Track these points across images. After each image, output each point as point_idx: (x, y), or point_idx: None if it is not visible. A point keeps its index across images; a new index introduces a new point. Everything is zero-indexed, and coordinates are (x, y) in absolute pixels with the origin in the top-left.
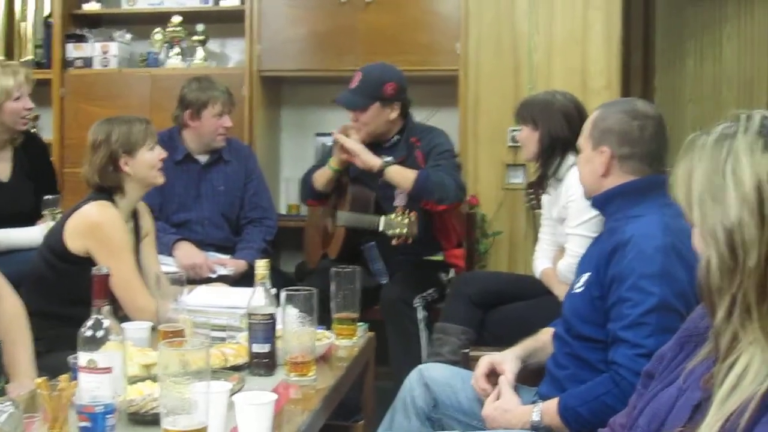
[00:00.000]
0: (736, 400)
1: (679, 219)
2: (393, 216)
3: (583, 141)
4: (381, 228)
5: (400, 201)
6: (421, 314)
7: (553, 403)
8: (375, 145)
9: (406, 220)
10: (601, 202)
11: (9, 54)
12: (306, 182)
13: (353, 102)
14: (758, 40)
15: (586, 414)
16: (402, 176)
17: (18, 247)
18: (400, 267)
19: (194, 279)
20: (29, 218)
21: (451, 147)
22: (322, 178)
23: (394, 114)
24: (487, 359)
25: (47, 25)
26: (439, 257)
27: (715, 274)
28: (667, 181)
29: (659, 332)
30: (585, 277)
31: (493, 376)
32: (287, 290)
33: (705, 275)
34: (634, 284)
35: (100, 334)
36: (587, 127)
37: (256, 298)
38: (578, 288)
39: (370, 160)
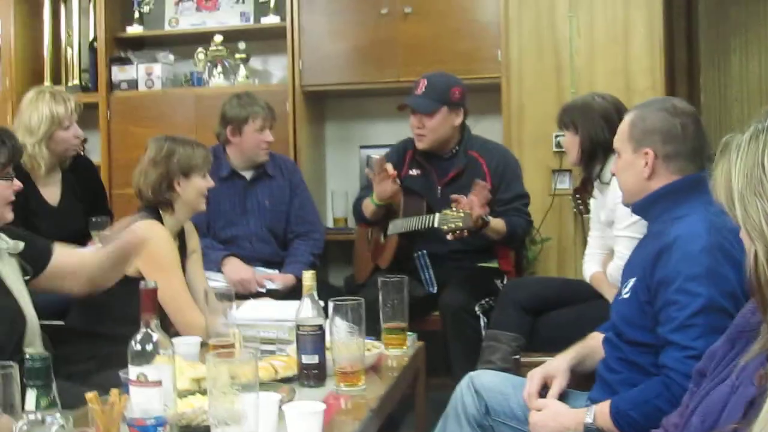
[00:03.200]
0: None
1: (725, 217)
2: (448, 211)
3: (621, 145)
4: (436, 224)
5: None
6: (483, 322)
7: (605, 406)
8: (436, 156)
9: (462, 214)
10: (644, 207)
11: (56, 79)
12: (357, 209)
13: (423, 105)
14: None
15: (638, 417)
16: (496, 231)
17: None
18: (451, 275)
19: (243, 294)
20: (79, 240)
21: (520, 171)
22: (368, 210)
23: (458, 120)
24: (539, 374)
25: (92, 49)
26: (493, 264)
27: (765, 267)
28: (708, 178)
29: (708, 333)
30: (631, 282)
31: (545, 388)
32: (335, 301)
33: (753, 270)
34: (680, 287)
35: (149, 347)
36: (624, 130)
37: (303, 309)
38: (625, 294)
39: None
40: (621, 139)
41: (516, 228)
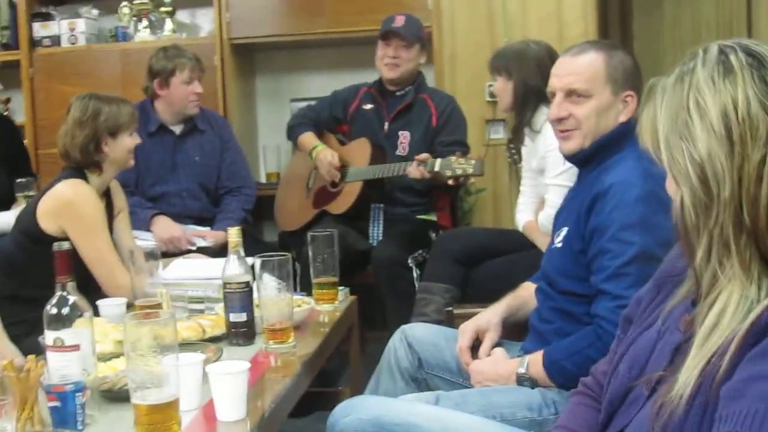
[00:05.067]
0: (717, 339)
1: (657, 165)
2: (453, 158)
3: (594, 87)
4: (437, 168)
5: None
6: (415, 274)
7: (538, 356)
8: (388, 92)
9: (473, 161)
10: (589, 154)
11: None
12: (293, 132)
13: (409, 33)
14: None
15: (570, 367)
16: None
17: None
18: (393, 228)
19: (174, 252)
20: (4, 203)
21: (465, 125)
22: (302, 148)
23: (422, 59)
24: (470, 328)
25: (12, 5)
26: (432, 217)
27: (691, 211)
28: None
29: (641, 282)
30: (564, 231)
31: (477, 342)
32: (261, 257)
33: (680, 215)
34: (614, 235)
35: (65, 311)
36: (597, 71)
37: (230, 267)
38: (558, 243)
39: None
40: (594, 80)
41: None
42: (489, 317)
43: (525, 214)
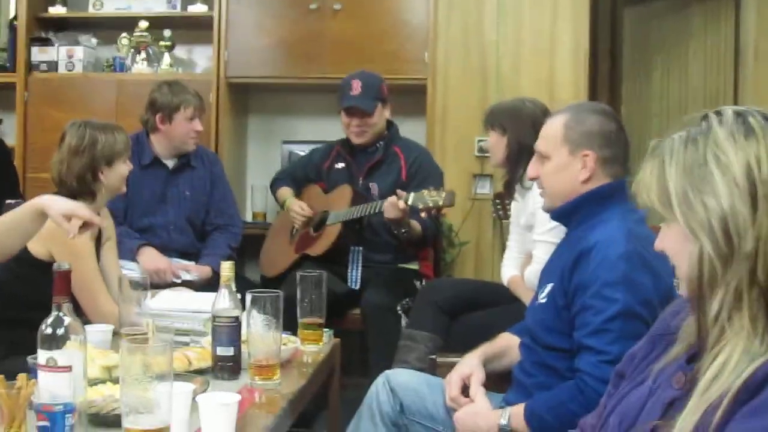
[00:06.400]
0: (715, 391)
1: (642, 225)
2: (426, 192)
3: (551, 147)
4: (410, 202)
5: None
6: (404, 321)
7: (520, 408)
8: (360, 150)
9: (443, 193)
10: (566, 212)
11: None
12: (273, 190)
13: (366, 104)
14: (724, 56)
15: (551, 420)
16: (416, 230)
17: None
18: (372, 274)
19: (159, 284)
20: None
21: (438, 176)
22: (279, 200)
23: (387, 113)
24: (456, 376)
25: (12, 27)
26: (414, 266)
27: (713, 262)
28: (626, 186)
29: (623, 338)
30: (548, 287)
31: (466, 390)
32: (253, 293)
33: (697, 267)
34: (597, 292)
35: (60, 331)
36: (555, 132)
37: (220, 300)
38: (542, 299)
39: None
40: (552, 141)
41: (426, 229)
42: (468, 362)
43: (510, 268)
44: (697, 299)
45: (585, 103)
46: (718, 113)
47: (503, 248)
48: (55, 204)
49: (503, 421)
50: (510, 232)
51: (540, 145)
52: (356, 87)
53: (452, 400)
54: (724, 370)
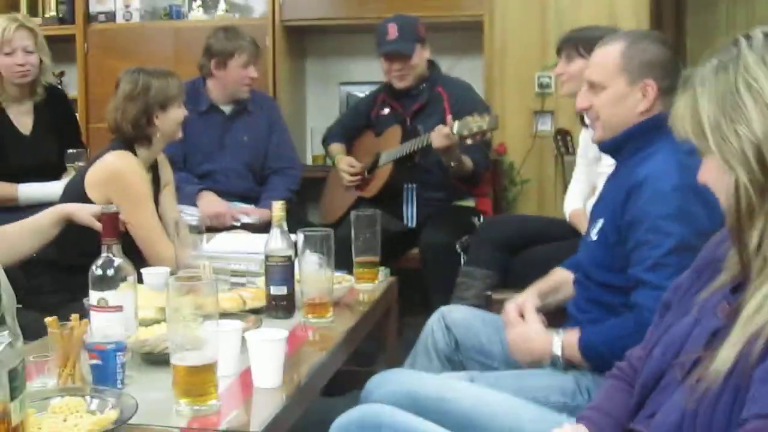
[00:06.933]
0: (758, 321)
1: (693, 156)
2: (470, 118)
3: (607, 76)
4: (456, 129)
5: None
6: (462, 259)
7: (573, 337)
8: (403, 93)
9: (487, 117)
10: (619, 143)
11: (33, 11)
12: (325, 143)
13: (405, 48)
14: None
15: (606, 352)
16: (466, 164)
17: (43, 202)
18: (429, 212)
19: (218, 228)
20: (54, 172)
21: (481, 103)
22: (330, 155)
23: (427, 54)
24: (512, 306)
25: None
26: (470, 203)
27: (749, 192)
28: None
29: (681, 272)
30: (599, 223)
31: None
32: (304, 231)
33: (734, 198)
34: (652, 226)
35: (110, 272)
36: (613, 61)
37: (272, 240)
38: (594, 236)
39: None
40: (609, 70)
41: (477, 164)
42: (523, 295)
43: (574, 201)
44: (737, 231)
45: (639, 31)
46: (748, 37)
47: (565, 186)
48: (83, 209)
49: (557, 351)
50: (576, 164)
51: (593, 74)
52: (392, 31)
53: (508, 323)
54: (767, 303)
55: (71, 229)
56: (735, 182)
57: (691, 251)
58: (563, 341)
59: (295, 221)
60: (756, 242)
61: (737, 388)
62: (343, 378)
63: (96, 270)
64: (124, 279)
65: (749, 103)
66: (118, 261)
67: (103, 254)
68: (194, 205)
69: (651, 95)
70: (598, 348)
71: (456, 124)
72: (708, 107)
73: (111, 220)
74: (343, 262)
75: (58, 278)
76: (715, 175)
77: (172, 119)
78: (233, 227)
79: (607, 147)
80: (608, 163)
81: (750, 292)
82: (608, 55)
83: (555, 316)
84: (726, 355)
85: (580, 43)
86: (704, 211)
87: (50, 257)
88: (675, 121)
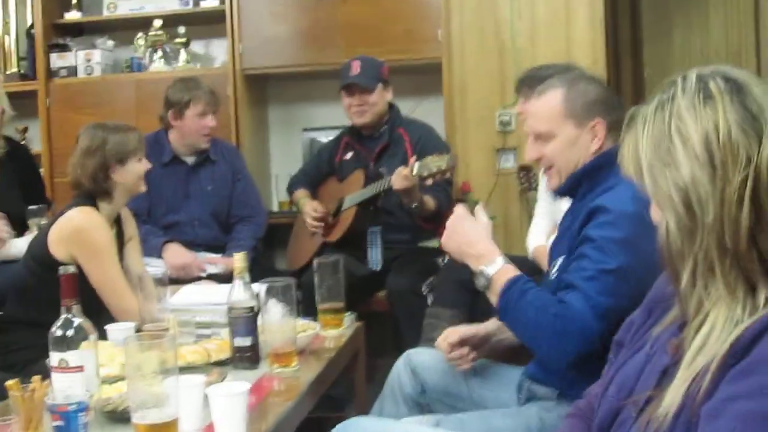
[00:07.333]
0: (702, 359)
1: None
2: (429, 158)
3: (555, 125)
4: (415, 172)
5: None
6: (429, 301)
7: (509, 274)
8: (366, 137)
9: (445, 156)
10: (576, 182)
11: None
12: (290, 192)
13: (365, 81)
14: (744, 9)
15: (521, 308)
16: (429, 206)
17: (4, 259)
18: (396, 254)
19: (184, 279)
20: (18, 229)
21: (442, 145)
22: (295, 202)
23: (389, 96)
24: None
25: (30, 36)
26: (435, 243)
27: (676, 237)
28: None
29: (612, 294)
30: (559, 261)
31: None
32: (266, 282)
33: (665, 241)
34: (599, 245)
35: (70, 333)
36: (554, 108)
37: (235, 292)
38: (553, 274)
39: None
40: (554, 118)
41: (439, 204)
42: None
43: (537, 237)
44: (672, 272)
45: (570, 74)
46: (684, 78)
47: (531, 222)
48: None
49: (489, 271)
50: (538, 200)
51: (538, 125)
52: (356, 67)
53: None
54: (709, 339)
55: (38, 287)
56: (665, 226)
57: (630, 280)
58: (500, 270)
59: (262, 269)
60: (688, 283)
61: (687, 425)
62: (313, 425)
63: (56, 331)
64: (84, 338)
65: (679, 148)
66: (77, 321)
67: (63, 315)
68: (160, 257)
69: (601, 133)
70: (518, 300)
71: (416, 165)
72: (646, 149)
73: (69, 280)
74: (311, 307)
75: (25, 336)
76: (656, 215)
77: (131, 173)
78: (200, 278)
79: (563, 191)
80: (569, 201)
81: (691, 331)
82: (549, 103)
83: (519, 354)
84: (672, 396)
85: (536, 82)
86: (651, 245)
87: (14, 314)
88: (622, 161)
